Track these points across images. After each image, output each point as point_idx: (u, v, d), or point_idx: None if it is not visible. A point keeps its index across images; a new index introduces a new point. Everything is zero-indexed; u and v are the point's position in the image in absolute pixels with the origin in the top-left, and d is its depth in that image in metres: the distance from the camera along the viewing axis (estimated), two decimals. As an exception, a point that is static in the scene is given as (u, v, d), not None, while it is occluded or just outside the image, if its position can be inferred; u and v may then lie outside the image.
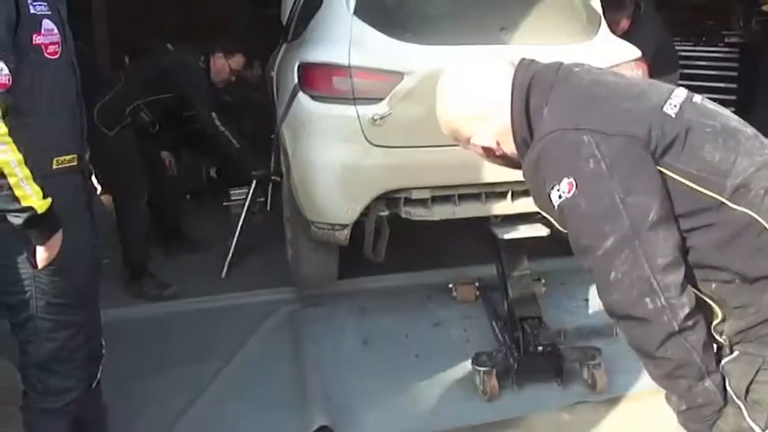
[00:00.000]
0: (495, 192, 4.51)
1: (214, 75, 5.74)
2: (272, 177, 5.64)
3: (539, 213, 4.29)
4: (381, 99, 4.25)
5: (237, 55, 5.80)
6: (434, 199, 4.49)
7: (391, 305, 4.91)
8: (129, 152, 5.37)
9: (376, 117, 4.23)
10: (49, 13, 2.63)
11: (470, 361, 3.93)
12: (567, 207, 1.82)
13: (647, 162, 1.78)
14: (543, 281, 4.86)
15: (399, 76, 4.22)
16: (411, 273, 5.35)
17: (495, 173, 3.83)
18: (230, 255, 5.61)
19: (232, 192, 7.37)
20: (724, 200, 1.77)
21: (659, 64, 5.74)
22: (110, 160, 5.30)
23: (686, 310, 1.75)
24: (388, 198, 4.47)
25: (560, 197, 1.82)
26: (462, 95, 2.07)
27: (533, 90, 1.97)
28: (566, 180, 1.80)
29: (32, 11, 2.55)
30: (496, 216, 4.58)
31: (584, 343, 4.15)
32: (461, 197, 4.52)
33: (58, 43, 2.65)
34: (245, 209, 5.79)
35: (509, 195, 4.53)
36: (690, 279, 1.81)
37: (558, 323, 4.36)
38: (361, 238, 4.61)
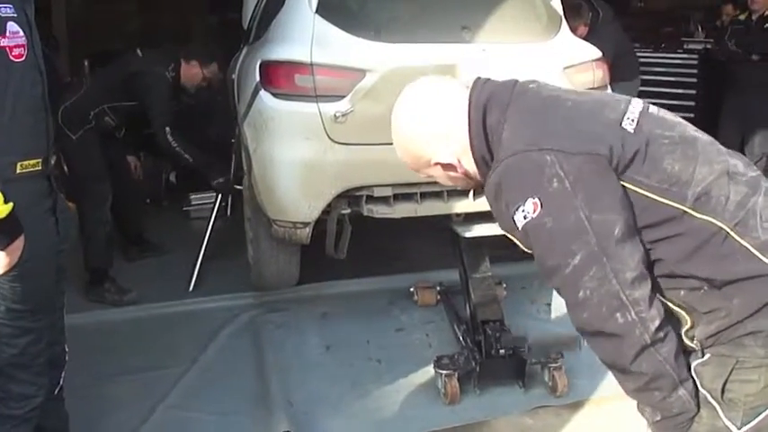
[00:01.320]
0: (457, 190, 4.50)
1: (186, 80, 5.66)
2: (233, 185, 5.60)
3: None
4: (343, 96, 4.25)
5: (213, 64, 5.74)
6: (396, 197, 4.48)
7: (353, 310, 4.89)
8: (93, 156, 5.30)
9: (338, 114, 4.23)
10: (15, 15, 2.57)
11: (432, 365, 3.93)
12: (533, 227, 1.82)
13: (610, 179, 1.79)
14: (504, 285, 4.86)
15: (361, 73, 4.23)
16: (372, 278, 5.34)
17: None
18: (198, 265, 5.49)
19: (192, 196, 7.34)
20: (686, 209, 1.79)
21: (619, 70, 5.82)
22: (72, 164, 5.28)
23: (657, 323, 1.77)
24: (350, 196, 4.46)
25: (525, 218, 1.81)
26: (419, 117, 2.03)
27: (490, 107, 1.96)
28: (530, 200, 1.80)
29: None
30: (458, 215, 4.58)
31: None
32: (423, 195, 4.51)
33: (23, 46, 2.59)
34: (212, 219, 5.70)
35: (471, 194, 4.52)
36: (658, 288, 1.83)
37: (519, 326, 4.34)
38: (322, 241, 4.60)
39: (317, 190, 4.38)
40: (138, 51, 5.63)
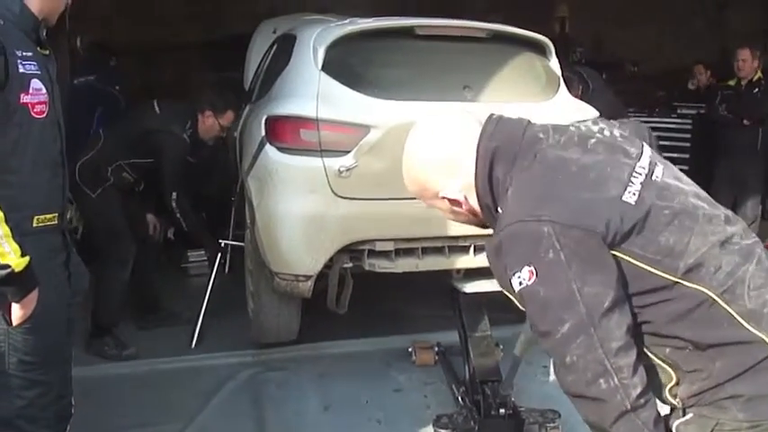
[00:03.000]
0: (458, 246, 4.57)
1: (203, 133, 5.54)
2: (227, 244, 5.62)
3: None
4: (347, 152, 4.33)
5: (228, 112, 5.56)
6: (398, 252, 4.53)
7: (351, 370, 4.86)
8: (114, 213, 5.17)
9: (342, 169, 4.31)
10: (39, 72, 2.65)
11: (431, 423, 3.91)
12: (528, 293, 1.88)
13: (603, 254, 1.83)
14: (501, 346, 4.85)
15: (365, 129, 4.32)
16: (370, 338, 5.32)
17: (458, 227, 3.82)
18: (199, 324, 5.39)
19: (190, 253, 7.30)
20: (678, 279, 1.84)
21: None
22: (92, 222, 5.19)
23: (638, 390, 1.81)
24: (352, 250, 4.50)
25: (521, 284, 1.87)
26: (430, 150, 2.07)
27: (498, 159, 1.99)
28: (526, 268, 1.85)
29: (21, 70, 2.57)
30: (458, 270, 4.63)
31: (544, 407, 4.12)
32: (425, 250, 4.56)
33: (45, 103, 2.67)
34: (212, 277, 5.58)
35: (471, 250, 4.58)
36: (645, 343, 1.88)
37: (516, 388, 4.24)
38: (322, 299, 4.62)
39: (320, 243, 4.42)
40: (156, 107, 5.46)
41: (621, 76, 10.12)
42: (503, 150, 2.00)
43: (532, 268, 1.84)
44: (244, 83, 7.35)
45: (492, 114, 2.11)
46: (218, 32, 9.89)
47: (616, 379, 1.80)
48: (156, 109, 5.45)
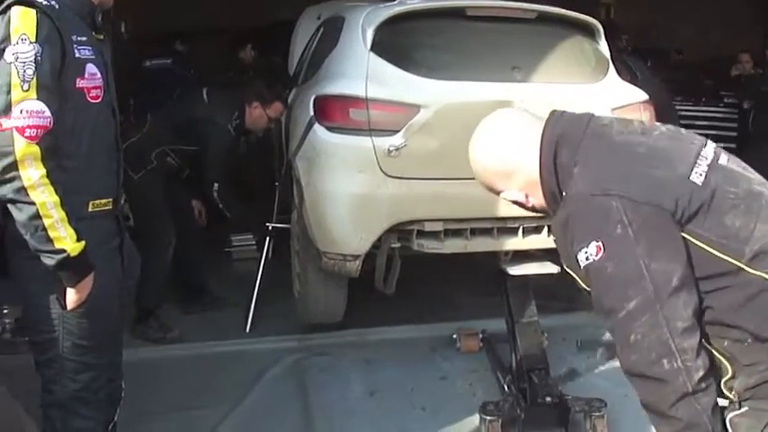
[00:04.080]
0: (507, 227, 4.53)
1: (251, 124, 5.56)
2: (274, 227, 5.59)
3: (549, 251, 4.31)
4: (397, 131, 4.33)
5: (276, 103, 5.55)
6: (447, 232, 4.51)
7: (396, 357, 4.83)
8: (155, 196, 5.21)
9: (391, 148, 4.30)
10: (94, 57, 2.66)
11: (477, 411, 3.89)
12: (594, 269, 1.86)
13: (672, 231, 1.82)
14: (546, 335, 4.82)
15: (415, 108, 4.31)
16: (414, 325, 5.30)
17: (507, 208, 3.82)
18: (252, 308, 5.38)
19: (234, 238, 7.32)
20: (742, 265, 1.82)
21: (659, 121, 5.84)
22: (134, 203, 5.19)
23: (701, 373, 1.79)
24: (401, 230, 4.49)
25: (587, 259, 1.86)
26: (491, 151, 2.10)
27: (561, 146, 2.00)
28: (594, 243, 1.84)
29: (77, 55, 2.59)
30: (506, 253, 4.60)
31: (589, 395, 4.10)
32: (473, 231, 4.54)
33: (100, 87, 2.68)
34: (263, 261, 5.58)
35: (520, 231, 4.55)
36: (704, 335, 1.85)
37: (561, 377, 4.31)
38: (368, 284, 4.64)
39: (368, 223, 4.42)
40: (205, 95, 5.52)
41: (667, 63, 10.00)
42: (567, 136, 2.01)
43: (600, 243, 1.83)
44: (288, 68, 7.35)
45: (554, 110, 2.13)
46: (260, 19, 9.92)
47: (679, 360, 1.78)
48: (205, 98, 5.50)
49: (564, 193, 1.99)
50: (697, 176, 1.87)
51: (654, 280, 1.79)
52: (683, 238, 1.83)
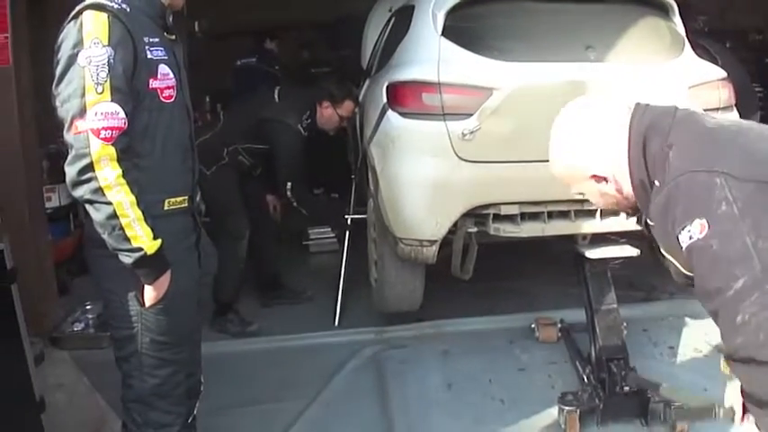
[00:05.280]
0: (585, 209, 4.47)
1: (323, 124, 5.54)
2: (352, 219, 5.59)
3: (627, 234, 4.23)
4: (470, 114, 4.30)
5: (346, 102, 5.51)
6: (523, 216, 4.48)
7: (474, 348, 4.81)
8: (228, 191, 5.24)
9: (465, 132, 4.29)
10: (166, 57, 2.72)
11: (556, 402, 3.88)
12: (698, 248, 1.81)
13: None
14: (625, 324, 4.75)
15: (488, 91, 4.28)
16: (492, 316, 5.27)
17: (584, 190, 3.79)
18: (339, 302, 5.42)
19: (311, 231, 7.40)
20: None
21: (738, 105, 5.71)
22: (207, 198, 5.27)
23: None
24: (477, 214, 4.47)
25: (691, 238, 1.81)
26: (577, 130, 2.10)
27: (651, 135, 1.99)
28: (697, 221, 1.79)
29: (149, 56, 2.64)
30: (584, 237, 4.54)
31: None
32: (550, 214, 4.50)
33: (173, 87, 2.74)
34: (345, 255, 5.60)
35: (598, 214, 4.48)
36: None
37: (642, 368, 4.19)
38: (445, 274, 4.63)
39: (444, 208, 4.41)
40: (276, 95, 5.54)
41: (744, 44, 9.72)
42: (656, 127, 2.00)
43: (704, 221, 1.78)
44: (361, 61, 7.39)
45: (638, 102, 2.11)
46: (332, 14, 9.96)
47: None
48: (276, 97, 5.52)
49: (655, 183, 1.96)
50: None
51: (762, 258, 1.72)
52: None
